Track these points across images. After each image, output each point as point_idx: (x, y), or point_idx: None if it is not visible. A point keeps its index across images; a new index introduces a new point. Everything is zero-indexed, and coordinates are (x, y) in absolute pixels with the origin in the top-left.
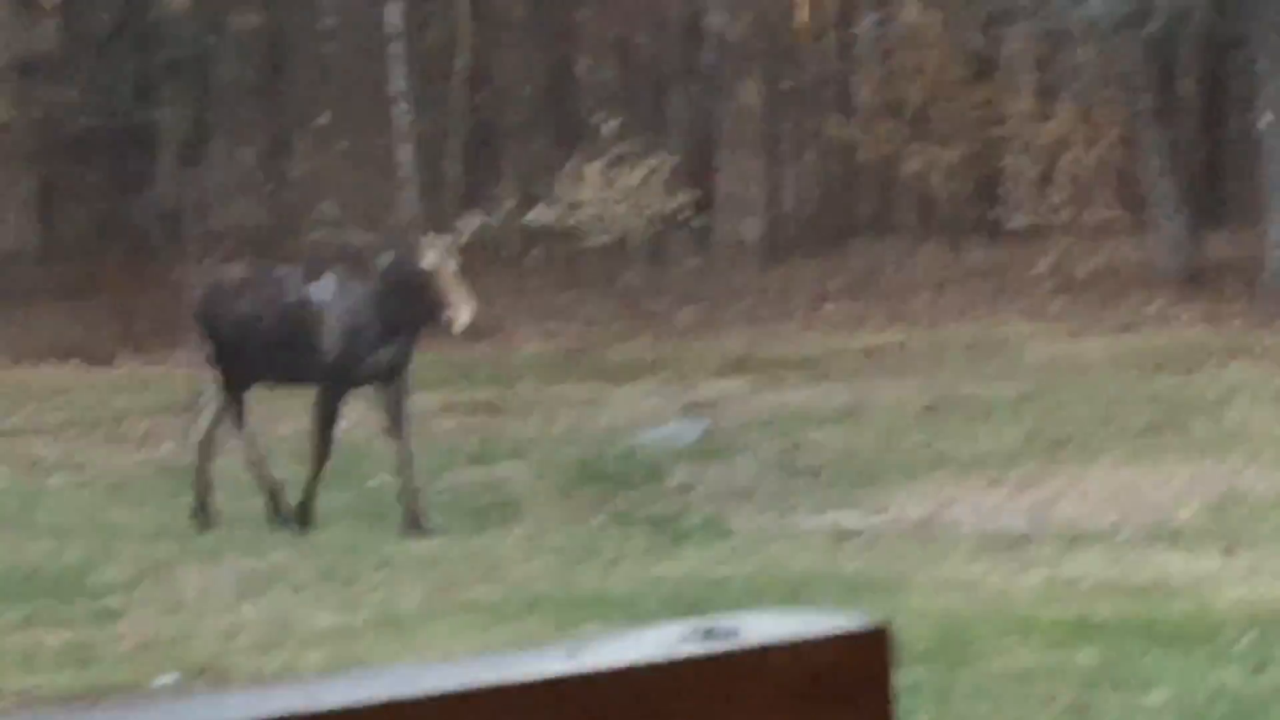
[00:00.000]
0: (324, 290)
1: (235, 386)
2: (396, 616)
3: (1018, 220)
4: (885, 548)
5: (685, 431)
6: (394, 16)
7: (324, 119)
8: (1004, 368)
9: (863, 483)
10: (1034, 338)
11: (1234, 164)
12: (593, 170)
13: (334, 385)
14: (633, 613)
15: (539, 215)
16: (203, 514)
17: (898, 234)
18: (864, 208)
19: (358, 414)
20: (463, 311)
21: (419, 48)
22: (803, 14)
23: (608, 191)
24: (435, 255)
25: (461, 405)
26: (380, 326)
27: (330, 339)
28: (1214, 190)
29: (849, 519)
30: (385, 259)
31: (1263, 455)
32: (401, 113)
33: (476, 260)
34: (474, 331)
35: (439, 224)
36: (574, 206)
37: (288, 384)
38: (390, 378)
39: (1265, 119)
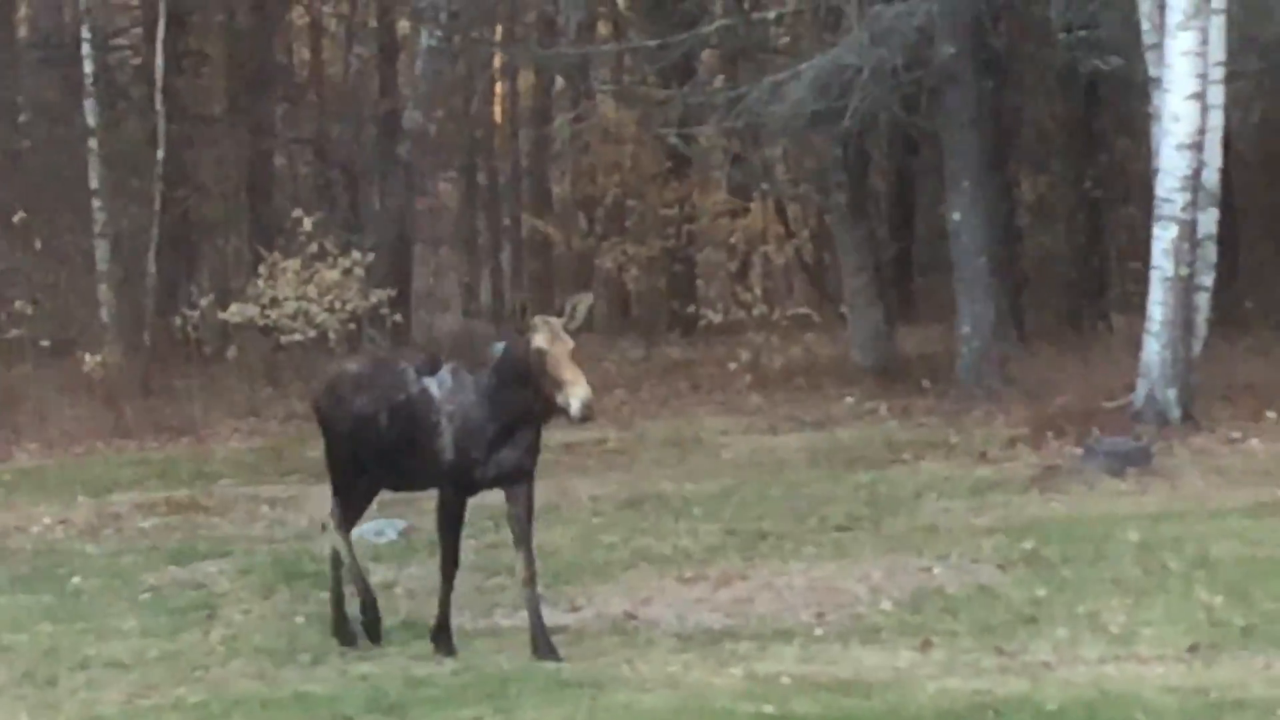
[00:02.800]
0: (441, 384)
1: (349, 490)
2: None
3: (713, 316)
4: (586, 645)
5: (385, 530)
6: (91, 112)
7: (20, 216)
8: (702, 464)
9: (562, 580)
10: (731, 433)
11: (926, 259)
12: (291, 267)
13: (454, 490)
14: (336, 712)
15: (237, 312)
16: None
17: (594, 330)
18: (560, 303)
19: (52, 514)
20: (579, 393)
21: (116, 143)
22: (499, 110)
23: (306, 288)
24: (546, 335)
25: (161, 504)
26: (499, 423)
27: (446, 438)
28: (907, 285)
29: (549, 617)
30: (498, 347)
31: (956, 550)
32: (99, 209)
33: (174, 356)
34: (173, 429)
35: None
36: (272, 303)
37: (406, 488)
38: (515, 482)
39: (955, 216)
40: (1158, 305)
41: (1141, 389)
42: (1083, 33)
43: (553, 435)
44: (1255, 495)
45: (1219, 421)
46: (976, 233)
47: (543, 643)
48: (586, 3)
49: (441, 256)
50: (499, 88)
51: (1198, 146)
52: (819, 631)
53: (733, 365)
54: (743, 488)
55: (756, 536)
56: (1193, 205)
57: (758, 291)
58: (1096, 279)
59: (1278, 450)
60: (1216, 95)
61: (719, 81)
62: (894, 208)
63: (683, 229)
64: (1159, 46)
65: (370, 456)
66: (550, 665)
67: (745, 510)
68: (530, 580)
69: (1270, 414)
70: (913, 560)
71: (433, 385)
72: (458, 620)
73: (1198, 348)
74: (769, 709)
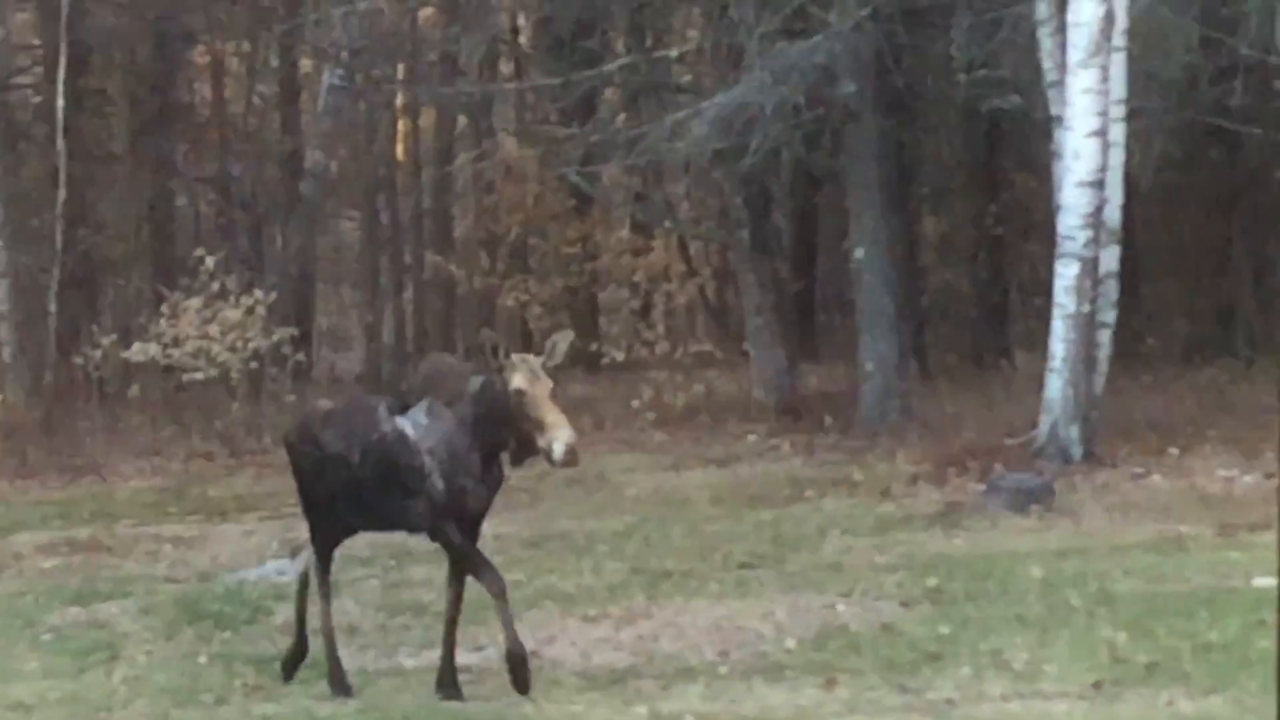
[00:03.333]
0: (415, 423)
1: (324, 533)
2: None
3: (616, 354)
4: (491, 684)
5: (286, 569)
6: None
7: None
8: (605, 501)
9: (466, 619)
10: (634, 471)
11: (829, 297)
12: (193, 306)
13: (452, 526)
14: None
15: (139, 351)
16: None
17: None
18: (463, 341)
19: None
20: (561, 436)
21: (17, 183)
22: (401, 149)
23: (208, 327)
24: (525, 376)
25: (62, 544)
26: (478, 459)
27: (434, 477)
28: (810, 323)
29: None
30: (475, 383)
31: (859, 587)
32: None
33: (76, 396)
34: (74, 468)
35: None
36: (174, 342)
37: (385, 529)
38: (479, 519)
39: (858, 253)
40: (1060, 342)
41: (1044, 425)
42: (983, 71)
43: None
44: (1157, 531)
45: (1121, 457)
46: (879, 270)
47: (518, 661)
48: (488, 41)
49: (343, 295)
50: (401, 126)
51: (1099, 184)
52: (723, 670)
53: (636, 403)
54: (646, 525)
55: (660, 574)
56: (1094, 242)
57: (660, 329)
58: (999, 316)
59: (1179, 486)
60: (1117, 133)
61: (621, 120)
62: (797, 245)
63: (585, 267)
64: (1060, 84)
65: (342, 497)
66: (454, 704)
67: (649, 548)
68: (502, 594)
69: (1172, 450)
70: (816, 598)
71: (407, 425)
72: (360, 661)
73: (1100, 384)
74: None
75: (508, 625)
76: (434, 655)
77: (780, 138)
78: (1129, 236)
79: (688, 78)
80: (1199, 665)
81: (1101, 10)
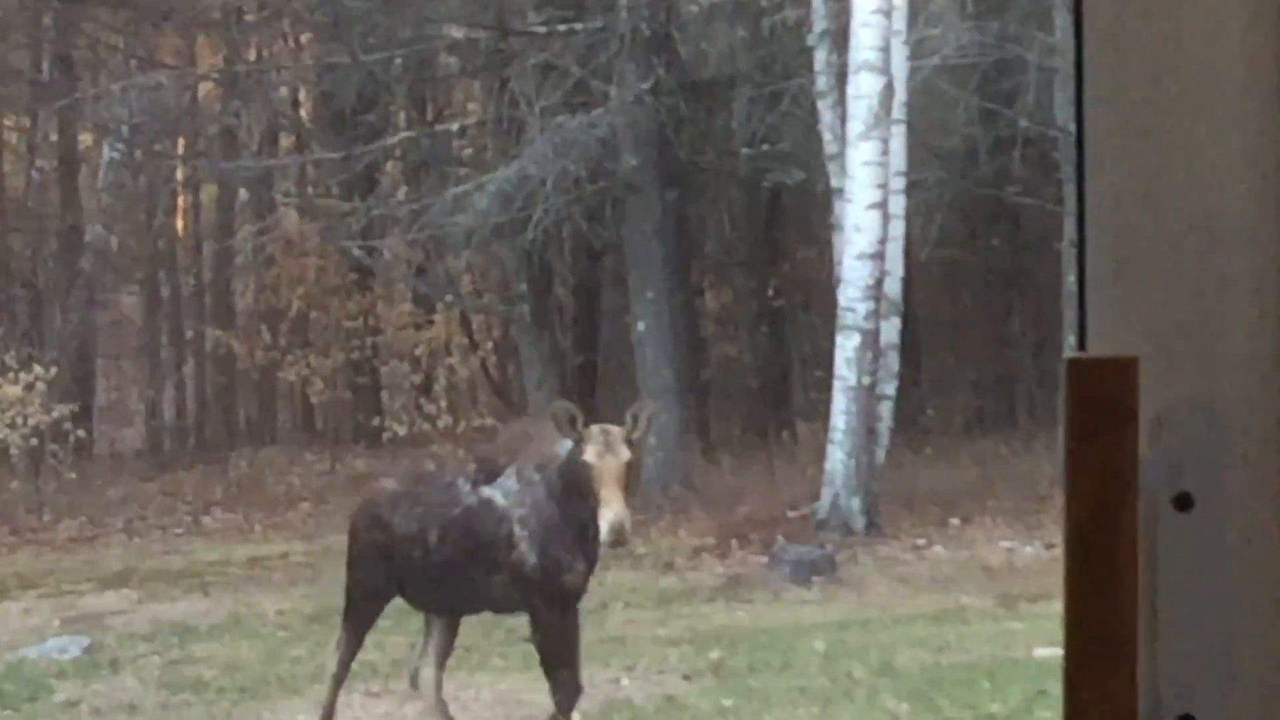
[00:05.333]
0: (506, 489)
1: (360, 621)
2: None
3: (397, 428)
4: None
5: (68, 647)
6: None
7: None
8: None
9: (248, 696)
10: None
11: (611, 369)
12: None
13: (548, 607)
14: None
15: None
16: None
17: (279, 443)
18: (245, 416)
19: None
20: (608, 515)
21: None
22: (182, 223)
23: None
24: (598, 448)
25: None
26: (571, 533)
27: (523, 546)
28: (592, 396)
29: None
30: (564, 448)
31: (643, 661)
32: None
33: None
34: None
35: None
36: None
37: (450, 613)
38: (575, 599)
39: (639, 326)
40: (841, 414)
41: (826, 497)
42: (765, 146)
43: (235, 549)
44: (939, 602)
45: (903, 529)
46: (661, 342)
47: None
48: (268, 116)
49: (124, 370)
50: (181, 200)
51: (879, 256)
52: None
53: None
54: None
55: None
56: (875, 314)
57: (443, 403)
58: (780, 388)
59: (961, 557)
60: (897, 205)
61: (402, 193)
62: (578, 318)
63: (367, 341)
64: (840, 157)
65: (412, 582)
66: None
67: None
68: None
69: (953, 521)
70: (600, 671)
71: (495, 494)
72: None
73: (881, 456)
74: None
75: None
76: None
77: (561, 211)
78: (910, 308)
79: (469, 151)
80: None
81: (881, 83)
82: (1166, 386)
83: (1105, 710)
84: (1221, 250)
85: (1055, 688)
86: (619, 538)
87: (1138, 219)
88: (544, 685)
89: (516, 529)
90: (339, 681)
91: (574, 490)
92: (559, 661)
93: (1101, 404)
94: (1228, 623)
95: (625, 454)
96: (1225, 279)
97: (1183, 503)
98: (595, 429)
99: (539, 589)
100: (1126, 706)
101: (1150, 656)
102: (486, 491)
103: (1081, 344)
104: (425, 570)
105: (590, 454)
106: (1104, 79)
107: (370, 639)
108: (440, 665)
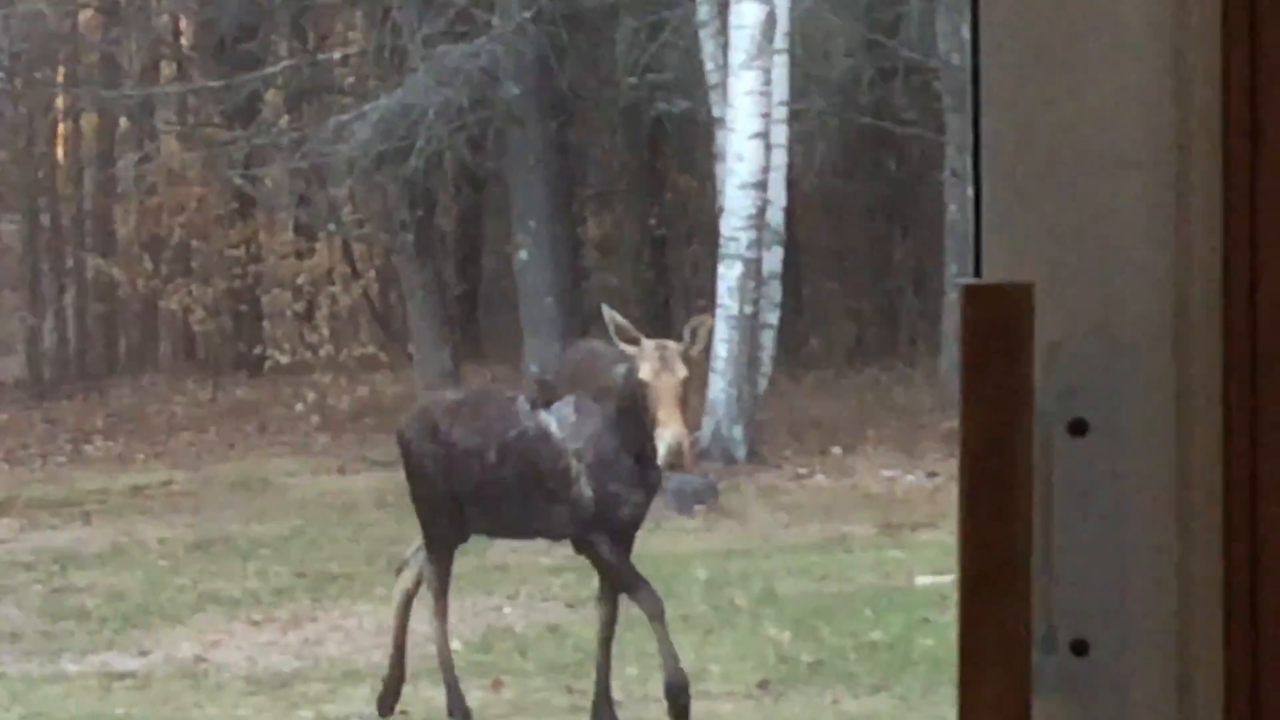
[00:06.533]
0: (562, 418)
1: (442, 541)
2: None
3: (279, 357)
4: (155, 690)
5: None
6: None
7: None
8: (270, 505)
9: (130, 624)
10: (299, 474)
11: (493, 298)
12: None
13: (609, 543)
14: None
15: None
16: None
17: (160, 371)
18: (126, 345)
19: None
20: (666, 435)
21: None
22: (62, 151)
23: None
24: (652, 366)
25: None
26: (631, 461)
27: (580, 482)
28: (474, 325)
29: (117, 661)
30: (619, 373)
31: (525, 589)
32: None
33: None
34: None
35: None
36: None
37: (519, 536)
38: (632, 529)
39: (521, 255)
40: (723, 343)
41: (708, 426)
42: (649, 76)
43: (117, 477)
44: (821, 531)
45: (785, 458)
46: (543, 271)
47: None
48: (149, 43)
49: (4, 298)
50: (62, 129)
51: (762, 185)
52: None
53: (300, 406)
54: (311, 529)
55: (326, 578)
56: (757, 244)
57: (325, 332)
58: (662, 317)
59: (843, 486)
60: (780, 134)
61: (284, 122)
62: (460, 247)
63: (249, 269)
64: (722, 87)
65: (473, 501)
66: (118, 711)
67: (314, 551)
68: (659, 615)
69: (835, 450)
70: (482, 600)
71: (551, 421)
72: (23, 668)
73: (763, 385)
74: None
75: (666, 652)
76: (98, 660)
77: (444, 140)
78: (792, 238)
79: (351, 80)
80: (863, 664)
81: (763, 12)
82: (1062, 313)
83: (999, 636)
84: (1116, 178)
85: (937, 615)
86: (677, 459)
87: (1033, 147)
88: (420, 613)
89: (573, 463)
90: (443, 616)
91: (631, 413)
92: (631, 584)
93: (997, 330)
94: (1121, 548)
95: (682, 371)
96: (1120, 206)
97: (1077, 428)
98: (650, 345)
99: (597, 524)
100: (1020, 632)
101: (1044, 583)
102: (544, 417)
103: (977, 271)
104: (485, 489)
105: (646, 372)
106: (1000, 6)
107: (251, 568)
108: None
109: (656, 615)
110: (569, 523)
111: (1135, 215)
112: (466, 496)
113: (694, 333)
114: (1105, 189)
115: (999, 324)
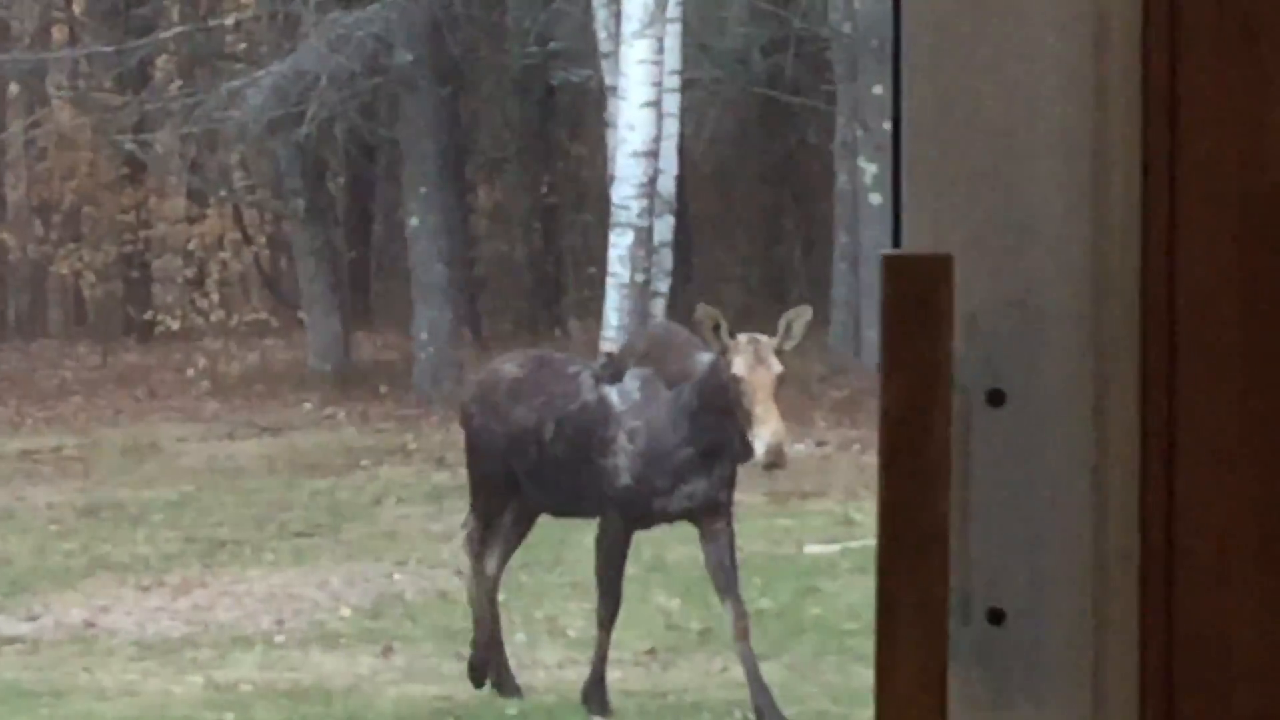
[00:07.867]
0: (625, 394)
1: (488, 509)
2: None
3: (170, 323)
4: (44, 655)
5: None
6: None
7: None
8: (159, 471)
9: (18, 589)
10: (189, 440)
11: (384, 265)
12: None
13: (620, 520)
14: None
15: None
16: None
17: (50, 336)
18: (15, 309)
19: None
20: (764, 435)
21: None
22: None
23: None
24: (748, 360)
25: None
26: (692, 450)
27: (621, 459)
28: (365, 291)
29: (6, 626)
30: (703, 361)
31: (415, 556)
32: None
33: None
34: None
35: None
36: None
37: (564, 513)
38: (708, 519)
39: (413, 221)
40: (614, 311)
41: None
42: (542, 45)
43: (6, 441)
44: None
45: None
46: (434, 239)
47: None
48: (41, 8)
49: None
50: None
51: (653, 154)
52: (279, 638)
53: (190, 372)
54: (201, 495)
55: (215, 544)
56: (648, 212)
57: (215, 298)
58: (552, 284)
59: None
60: (672, 103)
61: (175, 87)
62: (352, 214)
63: (139, 235)
64: (614, 55)
65: (529, 479)
66: (9, 677)
67: (204, 517)
68: (744, 633)
69: None
70: (372, 566)
71: (613, 394)
72: None
73: None
74: (230, 716)
75: (599, 657)
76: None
77: (336, 106)
78: (683, 206)
79: (243, 46)
80: (753, 632)
81: None
82: (981, 284)
83: (917, 604)
84: (1035, 149)
85: (825, 584)
86: (778, 458)
87: (952, 119)
88: (315, 578)
89: (622, 438)
90: (480, 590)
91: (715, 406)
92: (602, 578)
93: (916, 301)
94: (1038, 517)
95: (777, 366)
96: (1038, 178)
97: (995, 398)
98: (743, 338)
99: (620, 503)
100: (937, 600)
101: (962, 551)
102: (606, 390)
103: (896, 242)
104: (539, 467)
105: (740, 366)
106: None
107: (140, 533)
108: (505, 559)
109: (606, 625)
110: (603, 500)
111: (1054, 187)
112: (523, 473)
113: (789, 326)
114: (1024, 161)
115: (919, 295)
